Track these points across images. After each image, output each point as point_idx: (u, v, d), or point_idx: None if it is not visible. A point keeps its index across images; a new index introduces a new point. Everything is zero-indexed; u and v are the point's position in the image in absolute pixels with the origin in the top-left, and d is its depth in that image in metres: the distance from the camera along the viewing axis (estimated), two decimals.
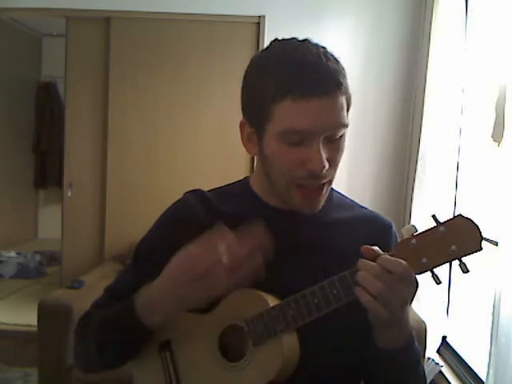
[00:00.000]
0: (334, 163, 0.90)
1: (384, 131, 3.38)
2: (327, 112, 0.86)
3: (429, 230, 0.78)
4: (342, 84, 0.87)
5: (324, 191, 0.93)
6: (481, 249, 0.76)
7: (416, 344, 0.91)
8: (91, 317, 1.03)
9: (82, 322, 1.04)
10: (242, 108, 0.97)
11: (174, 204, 1.07)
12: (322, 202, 0.96)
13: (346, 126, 0.89)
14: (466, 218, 0.76)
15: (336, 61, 0.89)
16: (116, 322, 0.95)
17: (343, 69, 0.90)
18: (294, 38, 0.93)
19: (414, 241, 0.79)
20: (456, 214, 0.78)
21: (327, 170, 0.88)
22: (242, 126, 0.97)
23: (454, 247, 0.76)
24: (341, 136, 0.90)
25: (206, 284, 0.84)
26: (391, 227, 1.04)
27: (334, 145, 0.90)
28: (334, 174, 0.93)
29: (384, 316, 0.79)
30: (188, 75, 3.41)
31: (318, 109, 0.85)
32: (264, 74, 0.89)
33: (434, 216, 0.78)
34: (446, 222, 0.77)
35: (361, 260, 0.81)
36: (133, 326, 0.91)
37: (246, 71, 0.95)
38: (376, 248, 0.83)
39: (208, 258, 0.83)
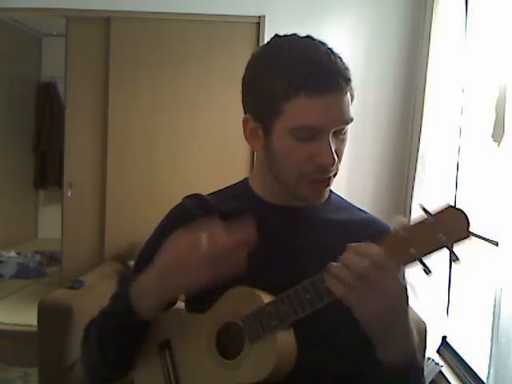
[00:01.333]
0: (340, 156, 0.93)
1: (384, 131, 3.38)
2: (338, 108, 0.89)
3: (417, 220, 0.78)
4: (350, 80, 0.91)
5: (331, 182, 0.96)
6: (469, 235, 0.75)
7: (418, 362, 0.89)
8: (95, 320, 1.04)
9: (86, 330, 1.05)
10: (245, 104, 0.98)
11: (173, 209, 1.08)
12: (328, 192, 1.00)
13: (352, 120, 0.92)
14: (455, 207, 0.76)
15: (342, 58, 0.92)
16: (113, 312, 0.97)
17: (348, 66, 0.93)
18: (294, 34, 0.95)
19: (402, 232, 0.79)
20: (444, 205, 0.77)
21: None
22: (245, 121, 0.98)
23: (441, 235, 0.76)
24: (346, 131, 0.94)
25: (182, 271, 0.86)
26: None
27: (340, 139, 0.93)
28: (339, 166, 0.96)
29: (366, 314, 0.79)
30: (188, 75, 3.41)
31: (330, 105, 0.88)
32: (274, 71, 0.90)
33: (422, 207, 0.78)
34: (434, 212, 0.77)
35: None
36: (127, 313, 0.93)
37: (250, 67, 0.96)
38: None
39: (186, 246, 0.86)
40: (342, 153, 0.94)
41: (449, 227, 0.76)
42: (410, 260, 0.78)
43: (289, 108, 0.88)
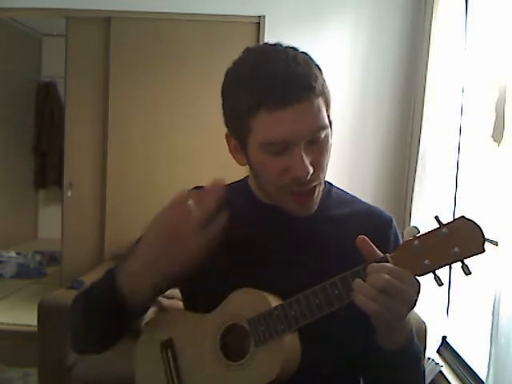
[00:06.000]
0: (319, 166, 0.90)
1: (384, 131, 3.37)
2: (303, 118, 0.86)
3: (431, 231, 0.78)
4: (314, 87, 0.86)
5: (316, 194, 0.93)
6: (483, 251, 0.75)
7: (416, 341, 0.91)
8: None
9: (74, 301, 1.03)
10: (224, 120, 0.97)
11: None
12: (316, 203, 0.96)
13: (326, 127, 0.89)
14: (469, 219, 0.76)
15: (306, 63, 0.88)
16: (99, 287, 0.95)
17: (315, 69, 0.89)
18: (266, 44, 0.94)
19: (416, 242, 0.78)
20: (458, 216, 0.77)
21: (313, 174, 0.88)
22: (227, 138, 0.98)
23: (456, 249, 0.75)
24: (324, 137, 0.90)
25: (177, 241, 0.84)
26: (391, 221, 1.04)
27: (318, 147, 0.89)
28: (322, 177, 0.93)
29: (388, 320, 0.79)
30: (188, 75, 3.41)
31: (294, 117, 0.85)
32: (237, 87, 0.90)
33: (436, 217, 0.77)
34: (448, 223, 0.77)
35: (371, 265, 0.80)
36: (112, 295, 0.90)
37: (223, 83, 0.95)
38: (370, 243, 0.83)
39: (178, 215, 0.85)
40: (321, 163, 0.90)
41: (464, 241, 0.75)
42: (423, 272, 0.78)
43: (254, 124, 0.87)
